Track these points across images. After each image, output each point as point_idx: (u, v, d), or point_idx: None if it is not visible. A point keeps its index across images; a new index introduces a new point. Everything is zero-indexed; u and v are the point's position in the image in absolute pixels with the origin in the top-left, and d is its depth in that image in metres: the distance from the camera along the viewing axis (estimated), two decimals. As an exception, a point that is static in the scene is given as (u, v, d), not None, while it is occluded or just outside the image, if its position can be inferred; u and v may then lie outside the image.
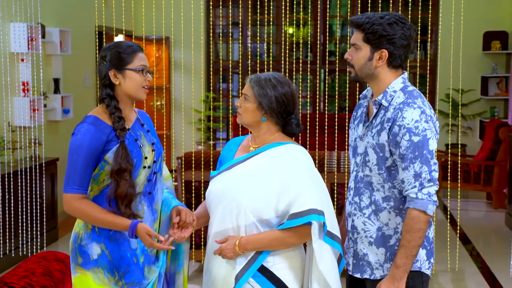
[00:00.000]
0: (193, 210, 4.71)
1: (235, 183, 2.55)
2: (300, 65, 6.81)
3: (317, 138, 5.79)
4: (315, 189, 2.49)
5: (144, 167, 2.54)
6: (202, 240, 5.08)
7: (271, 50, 7.94)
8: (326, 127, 5.90)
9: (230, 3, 5.65)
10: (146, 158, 2.54)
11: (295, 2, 6.08)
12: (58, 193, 6.21)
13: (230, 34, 6.49)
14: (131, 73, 2.53)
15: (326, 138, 5.69)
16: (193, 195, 5.04)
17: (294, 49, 9.36)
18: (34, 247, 5.64)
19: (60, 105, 6.61)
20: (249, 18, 6.12)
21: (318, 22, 9.01)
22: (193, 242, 5.09)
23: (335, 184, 5.00)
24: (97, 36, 6.86)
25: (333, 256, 2.50)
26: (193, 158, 5.08)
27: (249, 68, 5.89)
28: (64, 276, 3.10)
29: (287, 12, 5.96)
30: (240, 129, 8.16)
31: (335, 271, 2.50)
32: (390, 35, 2.39)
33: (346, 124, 5.78)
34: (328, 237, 2.46)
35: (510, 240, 6.33)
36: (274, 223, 2.49)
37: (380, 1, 8.30)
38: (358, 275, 2.57)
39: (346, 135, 5.75)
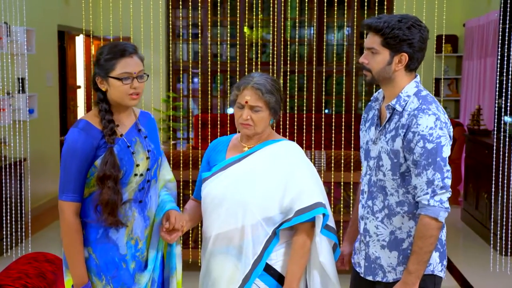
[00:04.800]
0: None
1: (236, 183, 2.54)
2: (261, 66, 6.93)
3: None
4: (316, 183, 2.54)
5: (136, 174, 2.46)
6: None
7: (237, 51, 8.02)
8: (288, 127, 6.04)
9: (190, 4, 5.72)
10: (138, 165, 2.47)
11: (258, 3, 6.19)
12: (25, 193, 6.14)
13: (190, 35, 6.56)
14: (113, 81, 2.41)
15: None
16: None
17: (257, 51, 9.48)
18: (5, 247, 5.58)
19: (26, 105, 6.54)
20: (209, 19, 6.21)
21: (275, 23, 9.16)
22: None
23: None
24: (58, 36, 6.81)
25: (329, 247, 2.56)
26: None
27: (209, 69, 5.97)
28: (56, 277, 3.09)
29: (247, 14, 6.06)
30: (200, 129, 8.24)
31: (332, 261, 2.58)
32: (410, 39, 2.36)
33: (304, 124, 5.91)
34: (325, 229, 2.51)
35: (467, 234, 6.63)
36: (278, 220, 2.50)
37: (336, 4, 8.48)
38: (370, 278, 2.56)
39: (304, 136, 5.89)
